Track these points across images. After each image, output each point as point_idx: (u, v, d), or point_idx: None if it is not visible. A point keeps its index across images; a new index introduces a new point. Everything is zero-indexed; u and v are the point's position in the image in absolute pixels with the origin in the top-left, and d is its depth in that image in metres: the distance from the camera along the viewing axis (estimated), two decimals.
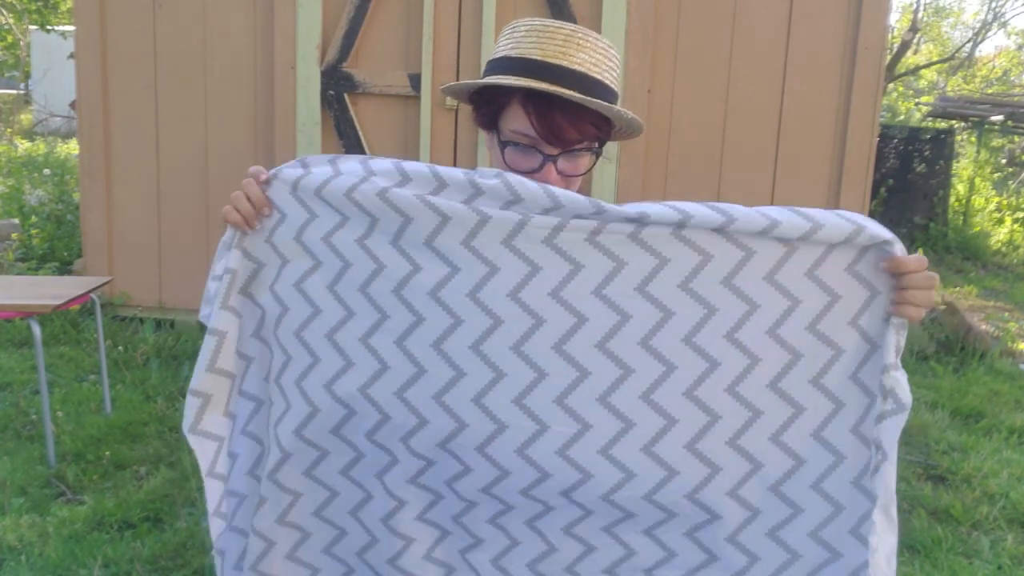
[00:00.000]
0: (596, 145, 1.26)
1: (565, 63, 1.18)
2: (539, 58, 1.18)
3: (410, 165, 1.12)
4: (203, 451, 1.23)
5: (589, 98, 1.17)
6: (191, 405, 1.21)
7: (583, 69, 1.19)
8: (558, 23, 1.23)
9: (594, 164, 1.29)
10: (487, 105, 1.26)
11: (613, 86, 1.24)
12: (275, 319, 1.21)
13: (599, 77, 1.21)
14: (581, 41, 1.20)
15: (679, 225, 1.04)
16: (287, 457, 1.22)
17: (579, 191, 1.38)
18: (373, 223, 1.12)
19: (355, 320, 1.15)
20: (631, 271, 1.06)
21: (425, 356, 1.12)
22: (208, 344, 1.20)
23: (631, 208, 1.06)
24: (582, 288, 1.07)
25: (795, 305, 1.07)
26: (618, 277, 1.07)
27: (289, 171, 1.18)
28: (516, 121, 1.22)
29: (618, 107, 1.21)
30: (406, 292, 1.12)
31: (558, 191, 1.07)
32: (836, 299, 1.07)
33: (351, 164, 1.16)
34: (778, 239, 1.04)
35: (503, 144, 1.25)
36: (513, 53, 1.22)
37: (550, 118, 1.19)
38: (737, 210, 1.05)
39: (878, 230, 1.05)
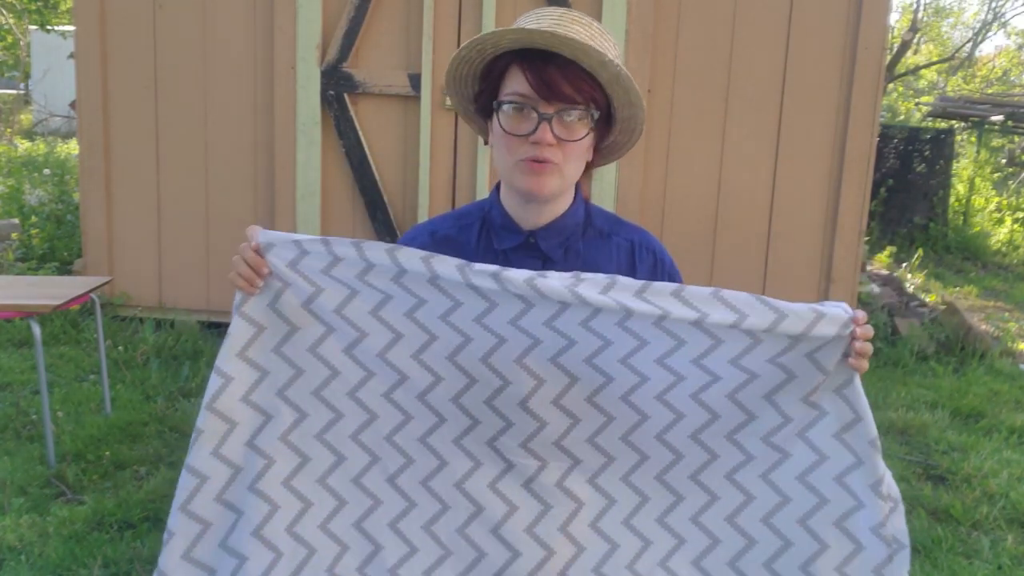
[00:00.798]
0: (593, 108, 1.25)
1: (560, 31, 1.20)
2: (534, 27, 1.21)
3: (402, 254, 1.17)
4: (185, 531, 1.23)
5: (580, 41, 1.17)
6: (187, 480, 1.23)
7: (578, 37, 1.21)
8: (554, 7, 1.25)
9: (589, 133, 1.27)
10: (485, 81, 1.28)
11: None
12: (285, 381, 1.24)
13: (594, 45, 1.22)
14: (577, 18, 1.25)
15: (661, 317, 1.16)
16: (275, 509, 1.24)
17: (579, 191, 1.37)
18: (386, 299, 1.20)
19: (376, 380, 1.24)
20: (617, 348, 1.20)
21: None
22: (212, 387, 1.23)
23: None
24: (577, 356, 1.19)
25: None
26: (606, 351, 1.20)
27: (284, 251, 1.20)
28: (512, 82, 1.25)
29: (609, 56, 1.21)
30: (425, 356, 1.22)
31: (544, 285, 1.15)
32: (792, 378, 1.16)
33: (346, 249, 1.19)
34: (746, 331, 1.14)
35: (498, 105, 1.26)
36: (510, 34, 1.24)
37: (545, 72, 1.21)
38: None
39: (835, 310, 1.13)
